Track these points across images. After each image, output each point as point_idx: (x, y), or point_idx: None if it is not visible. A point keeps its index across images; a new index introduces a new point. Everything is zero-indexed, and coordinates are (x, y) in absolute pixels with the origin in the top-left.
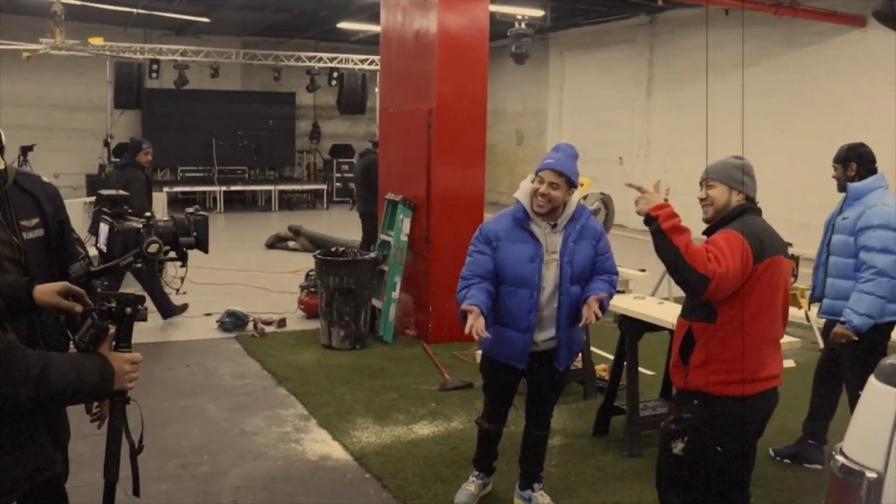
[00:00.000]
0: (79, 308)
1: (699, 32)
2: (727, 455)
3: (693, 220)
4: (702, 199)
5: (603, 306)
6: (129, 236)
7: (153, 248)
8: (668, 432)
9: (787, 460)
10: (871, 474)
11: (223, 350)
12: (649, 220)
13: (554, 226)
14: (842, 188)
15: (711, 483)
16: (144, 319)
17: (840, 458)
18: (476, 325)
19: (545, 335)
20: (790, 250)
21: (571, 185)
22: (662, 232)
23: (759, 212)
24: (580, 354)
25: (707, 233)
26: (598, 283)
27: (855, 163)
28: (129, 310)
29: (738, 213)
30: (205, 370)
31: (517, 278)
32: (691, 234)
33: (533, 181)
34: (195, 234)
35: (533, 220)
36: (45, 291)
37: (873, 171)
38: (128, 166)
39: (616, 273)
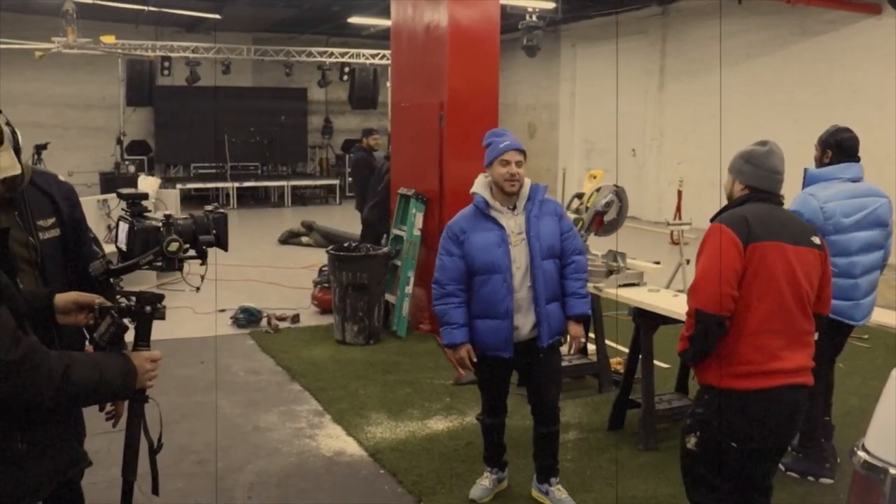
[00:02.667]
0: (90, 320)
1: (711, 22)
2: (745, 453)
3: (705, 211)
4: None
5: (587, 315)
6: (149, 235)
7: (173, 247)
8: (684, 427)
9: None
10: (895, 471)
11: (237, 346)
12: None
13: (514, 208)
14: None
15: (734, 481)
16: (163, 318)
17: (862, 455)
18: (465, 366)
19: (528, 322)
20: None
21: (525, 155)
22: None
23: (773, 200)
24: (594, 347)
25: (712, 220)
26: (571, 282)
27: (831, 150)
28: (148, 308)
29: (740, 203)
30: (219, 366)
31: (488, 265)
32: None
33: (489, 168)
34: (214, 232)
35: (493, 208)
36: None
37: (852, 160)
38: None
39: (582, 252)
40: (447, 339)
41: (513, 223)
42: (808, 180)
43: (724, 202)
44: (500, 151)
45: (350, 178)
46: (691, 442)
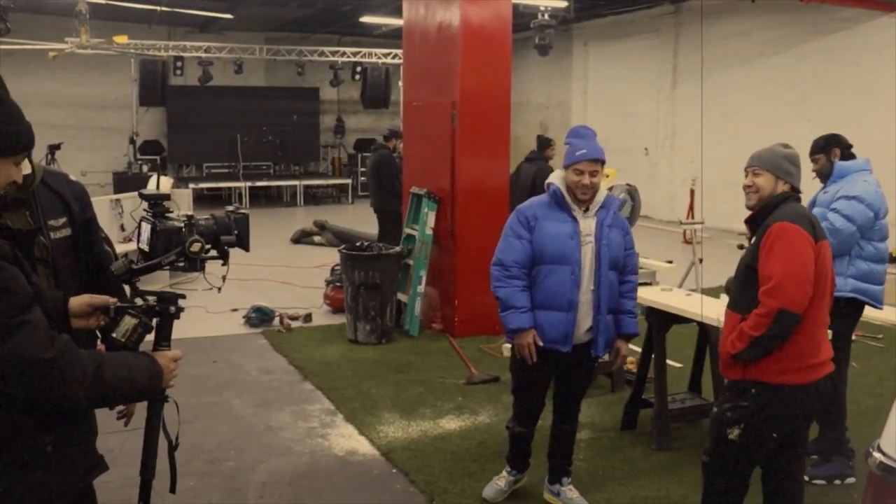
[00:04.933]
0: (102, 322)
1: (724, 21)
2: (783, 440)
3: (717, 210)
4: (747, 187)
5: (636, 335)
6: (171, 235)
7: (195, 247)
8: (724, 420)
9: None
10: None
11: (249, 345)
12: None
13: (586, 210)
14: (825, 177)
15: (755, 466)
16: (178, 317)
17: (878, 456)
18: (532, 353)
19: (585, 324)
20: None
21: (603, 164)
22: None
23: (799, 200)
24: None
25: (749, 221)
26: (626, 300)
27: (837, 147)
28: (172, 308)
29: (780, 201)
30: (231, 366)
31: (557, 255)
32: (736, 341)
33: (566, 171)
34: (236, 232)
35: (568, 202)
36: (77, 311)
37: (853, 157)
38: (538, 160)
39: (636, 272)
40: (513, 323)
41: (584, 223)
42: (837, 172)
43: (738, 201)
44: (574, 160)
45: (369, 176)
46: (734, 433)
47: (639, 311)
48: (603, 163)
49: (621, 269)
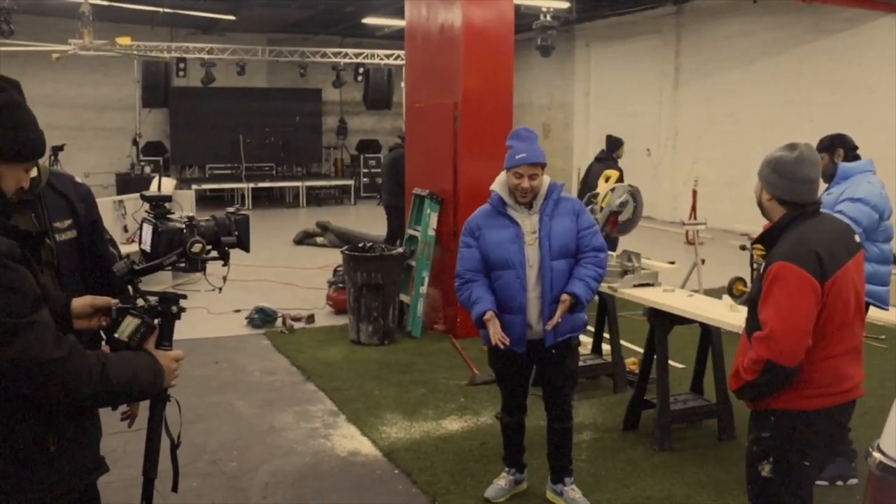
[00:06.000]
0: (103, 322)
1: (726, 21)
2: (818, 468)
3: (720, 211)
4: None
5: (581, 301)
6: (173, 236)
7: (197, 248)
8: (752, 455)
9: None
10: None
11: (252, 346)
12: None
13: (530, 207)
14: (828, 178)
15: (808, 499)
16: (179, 318)
17: (878, 456)
18: (497, 332)
19: (539, 323)
20: None
21: (543, 167)
22: (744, 394)
23: (813, 211)
24: (609, 347)
25: (757, 241)
26: (582, 268)
27: (841, 148)
28: (175, 308)
29: (785, 225)
30: (234, 366)
31: (502, 261)
32: (733, 377)
33: (507, 174)
34: (237, 233)
35: (510, 206)
36: (79, 311)
37: (857, 158)
38: (608, 160)
39: (604, 249)
40: (475, 313)
41: (528, 222)
42: (840, 174)
43: (740, 202)
44: (514, 163)
45: (384, 174)
46: (766, 470)
47: (596, 288)
48: (543, 166)
49: (577, 251)
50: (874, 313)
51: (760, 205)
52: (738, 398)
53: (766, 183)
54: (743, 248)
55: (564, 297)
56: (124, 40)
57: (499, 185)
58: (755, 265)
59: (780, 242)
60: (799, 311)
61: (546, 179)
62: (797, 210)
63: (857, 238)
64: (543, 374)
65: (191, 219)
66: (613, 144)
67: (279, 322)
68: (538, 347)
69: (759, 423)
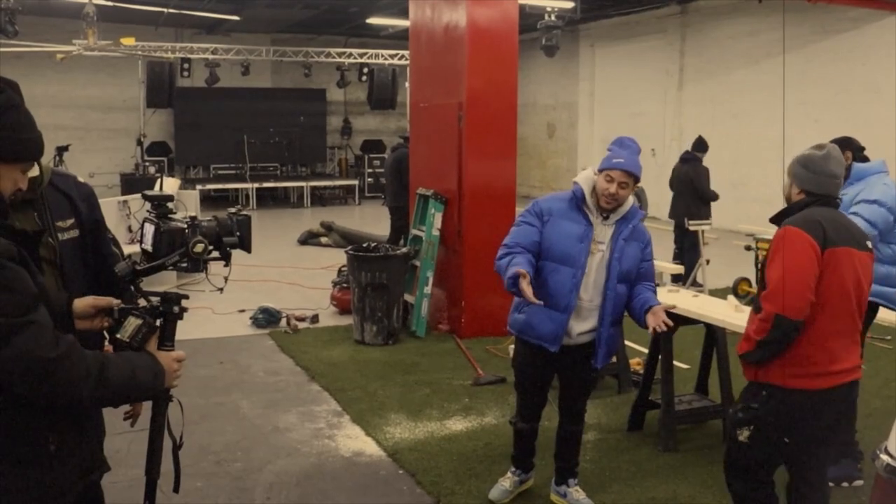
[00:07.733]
0: (106, 323)
1: (730, 21)
2: (798, 445)
3: (724, 211)
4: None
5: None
6: (175, 236)
7: (198, 248)
8: (735, 420)
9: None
10: None
11: (256, 346)
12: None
13: (606, 217)
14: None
15: (775, 471)
16: (181, 318)
17: (885, 458)
18: (528, 290)
19: (582, 327)
20: None
21: (637, 181)
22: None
23: (831, 203)
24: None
25: (772, 220)
26: (647, 292)
27: (849, 150)
28: (177, 308)
29: (801, 207)
30: (238, 367)
31: (563, 255)
32: (743, 343)
33: (598, 175)
34: (238, 233)
35: (588, 206)
36: (81, 312)
37: (865, 159)
38: (693, 161)
39: (654, 281)
40: (509, 273)
41: (600, 230)
42: (854, 175)
43: (745, 202)
44: (609, 165)
45: (387, 174)
46: (744, 435)
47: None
48: (636, 179)
49: (634, 280)
50: (880, 314)
51: (788, 200)
52: (744, 365)
53: (796, 177)
54: (748, 248)
55: (657, 308)
56: (129, 41)
57: (584, 180)
58: (760, 265)
59: (788, 218)
60: (801, 267)
61: (631, 199)
62: (819, 198)
63: (870, 243)
64: (565, 379)
65: (193, 219)
66: (702, 146)
67: (283, 322)
68: (565, 352)
69: (752, 394)
